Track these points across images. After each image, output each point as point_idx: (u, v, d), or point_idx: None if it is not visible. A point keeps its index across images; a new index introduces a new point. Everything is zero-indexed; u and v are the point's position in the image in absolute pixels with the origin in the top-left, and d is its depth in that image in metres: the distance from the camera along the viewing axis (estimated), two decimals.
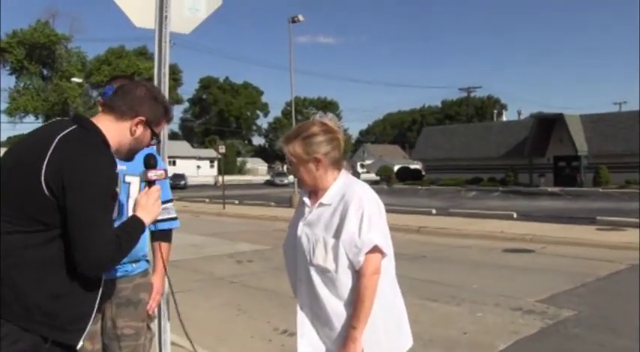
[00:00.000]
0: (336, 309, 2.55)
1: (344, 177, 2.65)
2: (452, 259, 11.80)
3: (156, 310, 3.45)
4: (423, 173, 53.96)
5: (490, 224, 16.95)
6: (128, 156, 2.52)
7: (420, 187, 43.86)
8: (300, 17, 30.32)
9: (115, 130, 2.35)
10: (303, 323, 2.68)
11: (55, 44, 63.62)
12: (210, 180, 72.06)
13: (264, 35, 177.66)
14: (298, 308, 2.71)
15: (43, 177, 2.06)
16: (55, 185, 2.06)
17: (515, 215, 18.87)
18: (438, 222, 17.74)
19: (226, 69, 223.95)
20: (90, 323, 2.27)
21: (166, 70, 3.89)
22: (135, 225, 2.36)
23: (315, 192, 2.68)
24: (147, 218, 2.39)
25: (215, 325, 6.80)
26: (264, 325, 6.73)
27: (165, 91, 3.87)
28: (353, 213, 2.47)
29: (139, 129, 2.41)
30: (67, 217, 2.07)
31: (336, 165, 2.64)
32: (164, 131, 3.90)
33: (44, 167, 2.07)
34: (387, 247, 2.55)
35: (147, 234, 3.27)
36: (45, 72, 66.46)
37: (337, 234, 2.50)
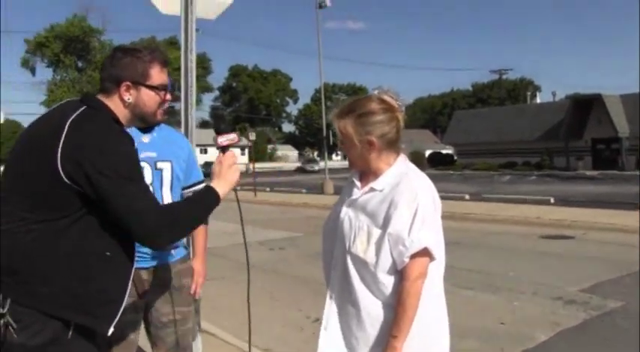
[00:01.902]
0: (371, 309, 2.29)
1: (401, 163, 2.38)
2: (487, 246, 11.58)
3: (200, 293, 3.47)
4: (455, 158, 53.58)
5: (526, 209, 16.67)
6: (150, 122, 2.45)
7: (452, 172, 43.59)
8: (328, 2, 30.24)
9: (114, 108, 2.23)
10: (330, 315, 2.45)
11: (89, 37, 65.21)
12: (241, 168, 72.39)
13: (293, 22, 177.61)
14: (328, 296, 2.47)
15: (60, 165, 1.99)
16: (76, 172, 1.99)
17: (552, 200, 18.53)
18: (472, 208, 17.50)
19: (255, 56, 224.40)
20: (120, 312, 2.17)
21: (193, 57, 3.87)
22: (205, 195, 2.29)
23: (367, 174, 2.43)
24: (222, 186, 2.31)
25: (246, 313, 6.68)
26: (296, 313, 6.65)
27: (193, 77, 3.90)
28: (405, 207, 2.21)
29: (132, 94, 2.25)
30: (104, 201, 2.03)
31: (393, 147, 2.37)
32: (188, 116, 3.86)
33: (59, 155, 1.99)
34: (438, 249, 2.27)
35: None
36: (80, 64, 68.06)
37: (384, 226, 2.24)
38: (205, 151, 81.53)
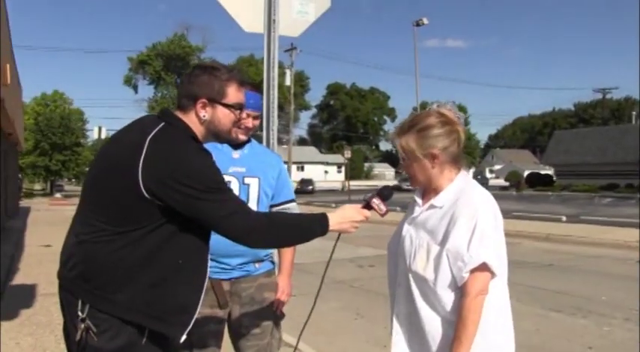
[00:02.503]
0: (433, 326, 2.28)
1: (462, 179, 2.36)
2: (581, 269, 11.24)
3: (282, 310, 3.44)
4: (554, 178, 51.97)
5: (626, 233, 15.92)
6: (224, 140, 2.50)
7: (550, 193, 42.28)
8: (425, 20, 30.25)
9: (190, 124, 2.28)
10: (397, 333, 2.46)
11: (189, 55, 66.86)
12: (338, 185, 72.75)
13: (392, 39, 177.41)
14: (394, 315, 2.48)
15: (141, 181, 2.07)
16: (159, 188, 2.08)
17: None
18: (568, 230, 16.98)
19: (353, 74, 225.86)
20: (193, 319, 2.25)
21: (275, 74, 3.96)
22: (316, 218, 2.38)
23: (428, 191, 2.43)
24: (335, 222, 2.39)
25: (331, 328, 6.83)
26: (381, 330, 6.66)
27: (274, 94, 3.98)
28: (464, 222, 2.19)
29: (207, 112, 2.28)
30: (194, 213, 2.13)
31: (454, 162, 2.36)
32: (270, 132, 3.96)
33: (140, 171, 2.07)
34: (499, 266, 2.22)
35: None
36: (180, 81, 69.98)
37: (443, 242, 2.22)
38: (302, 168, 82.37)
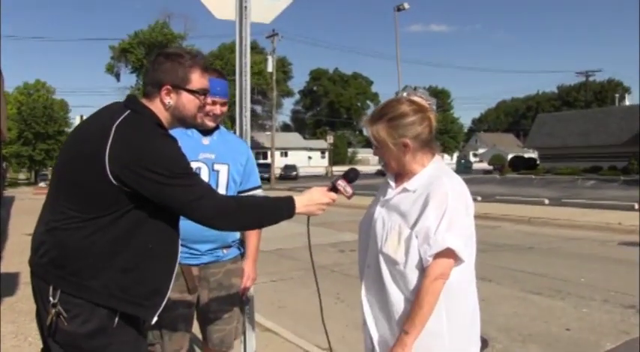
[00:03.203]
0: (400, 307, 2.30)
1: (435, 165, 2.37)
2: (561, 251, 11.30)
3: (248, 295, 3.53)
4: (538, 162, 52.25)
5: (607, 215, 16.12)
6: (190, 125, 2.53)
7: (534, 177, 42.47)
8: (406, 5, 30.22)
9: (156, 111, 2.31)
10: (367, 313, 2.48)
11: (171, 43, 66.12)
12: (322, 171, 72.79)
13: (375, 25, 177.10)
14: (363, 293, 2.50)
15: (108, 169, 2.09)
16: (126, 175, 2.10)
17: (636, 206, 17.76)
18: (550, 213, 17.12)
19: (336, 60, 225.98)
20: (164, 302, 2.29)
21: (247, 60, 3.94)
22: (282, 201, 2.40)
23: (401, 175, 2.43)
24: (301, 205, 2.42)
25: (311, 313, 6.79)
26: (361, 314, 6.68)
27: (247, 80, 3.97)
28: (434, 208, 2.21)
29: (172, 98, 2.32)
30: (161, 198, 2.16)
31: (427, 147, 2.37)
32: (243, 119, 3.94)
33: (107, 158, 2.09)
34: (466, 252, 2.25)
35: None
36: None
37: (414, 226, 2.24)
38: (286, 154, 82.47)
